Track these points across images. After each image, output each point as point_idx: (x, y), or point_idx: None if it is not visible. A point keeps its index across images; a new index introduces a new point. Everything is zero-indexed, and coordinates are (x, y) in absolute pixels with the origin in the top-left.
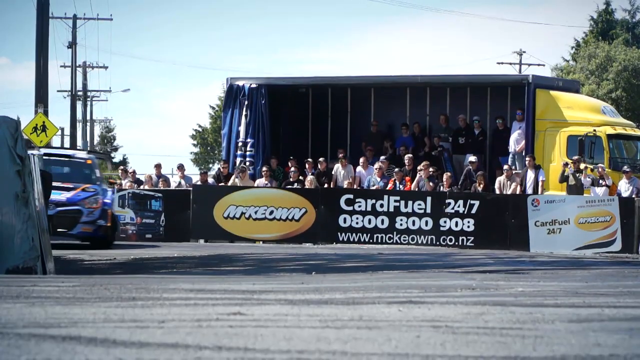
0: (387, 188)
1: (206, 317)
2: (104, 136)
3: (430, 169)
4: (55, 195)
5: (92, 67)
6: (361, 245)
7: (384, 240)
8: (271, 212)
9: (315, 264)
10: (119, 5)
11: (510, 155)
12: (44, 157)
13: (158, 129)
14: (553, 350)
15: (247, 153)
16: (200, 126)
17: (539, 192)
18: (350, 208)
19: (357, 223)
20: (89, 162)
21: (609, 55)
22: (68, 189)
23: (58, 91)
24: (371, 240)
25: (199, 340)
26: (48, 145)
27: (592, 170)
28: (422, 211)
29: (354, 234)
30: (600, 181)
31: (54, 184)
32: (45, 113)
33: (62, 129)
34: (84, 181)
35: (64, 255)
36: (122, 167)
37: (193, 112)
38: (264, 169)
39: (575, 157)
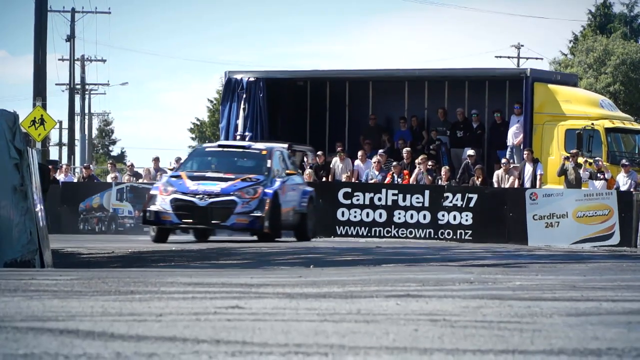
0: (385, 182)
1: (204, 311)
2: (102, 129)
3: (429, 163)
4: (209, 186)
5: (91, 60)
6: (359, 239)
7: (382, 234)
8: None
9: (313, 258)
10: None
11: (508, 149)
12: (219, 149)
13: (156, 122)
14: (551, 343)
15: None
16: (198, 119)
17: (537, 186)
18: (349, 201)
19: (355, 216)
20: (264, 152)
21: (607, 49)
22: (225, 180)
23: (56, 84)
24: (369, 234)
25: (197, 333)
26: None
27: (590, 164)
28: (420, 205)
29: (352, 228)
30: (599, 174)
31: (212, 174)
32: (44, 106)
33: (60, 122)
34: (252, 172)
35: (61, 249)
36: (110, 161)
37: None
38: None
39: (573, 151)
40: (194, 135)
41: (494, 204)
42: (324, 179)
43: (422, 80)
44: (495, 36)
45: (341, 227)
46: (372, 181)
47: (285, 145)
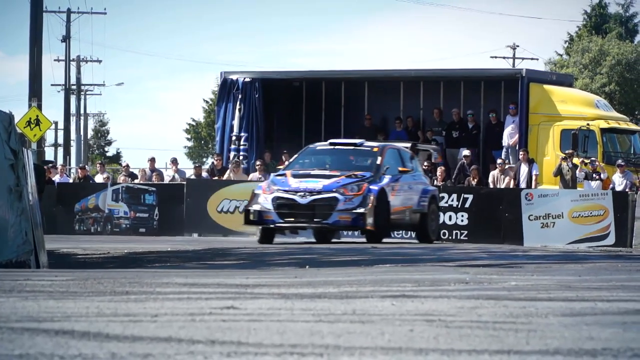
0: None
1: (199, 311)
2: (98, 130)
3: (425, 163)
4: (312, 184)
5: (86, 61)
6: (355, 239)
7: None
8: None
9: (309, 258)
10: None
11: (504, 149)
12: (330, 147)
13: (152, 122)
14: (546, 344)
15: (241, 147)
16: (194, 120)
17: (533, 186)
18: None
19: None
20: (375, 149)
21: (603, 49)
22: (329, 177)
23: (52, 85)
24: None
25: (192, 334)
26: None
27: (585, 164)
28: None
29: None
30: (595, 175)
31: (317, 172)
32: (39, 107)
33: (56, 123)
34: (360, 169)
35: (57, 250)
36: (99, 162)
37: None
38: (258, 162)
39: (569, 151)
40: (189, 136)
41: (489, 205)
42: None
43: (417, 80)
44: (490, 36)
45: None
46: None
47: (409, 145)
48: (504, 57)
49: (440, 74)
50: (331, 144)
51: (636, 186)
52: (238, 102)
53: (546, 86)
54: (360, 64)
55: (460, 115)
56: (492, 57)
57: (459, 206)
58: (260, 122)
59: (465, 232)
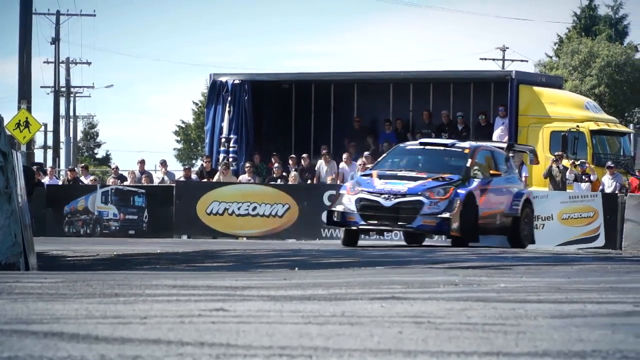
0: None
1: (188, 313)
2: (87, 132)
3: None
4: (397, 186)
5: (76, 63)
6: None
7: (367, 236)
8: (254, 208)
9: (298, 260)
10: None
11: None
12: (420, 147)
13: (141, 125)
14: (535, 345)
15: (230, 149)
16: (183, 122)
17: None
18: None
19: None
20: (467, 150)
21: (592, 51)
22: (416, 179)
23: (41, 87)
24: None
25: (181, 336)
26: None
27: (575, 166)
28: None
29: (336, 230)
30: (584, 177)
31: (404, 173)
32: (29, 109)
33: (45, 125)
34: (449, 171)
35: (46, 252)
36: (82, 165)
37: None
38: (247, 165)
39: (558, 153)
40: (179, 138)
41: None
42: (309, 182)
43: (407, 82)
44: (480, 38)
45: (326, 230)
46: None
47: (504, 145)
48: (493, 59)
49: (430, 75)
50: (421, 143)
51: (626, 188)
52: (227, 104)
53: (536, 88)
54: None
55: (450, 117)
56: (481, 58)
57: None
58: (250, 124)
59: None
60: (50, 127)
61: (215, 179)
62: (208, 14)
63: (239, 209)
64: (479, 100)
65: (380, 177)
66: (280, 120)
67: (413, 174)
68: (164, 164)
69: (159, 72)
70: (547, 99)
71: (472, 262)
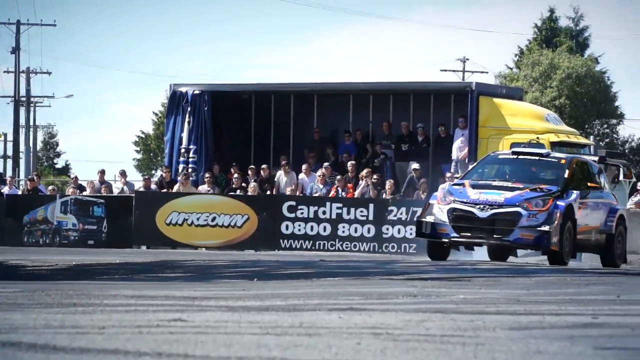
0: (330, 195)
1: (147, 324)
2: (47, 142)
3: (374, 176)
4: (493, 196)
5: (36, 72)
6: (303, 252)
7: (326, 247)
8: (213, 219)
9: (257, 271)
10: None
11: (453, 163)
12: (513, 157)
13: (101, 135)
14: (494, 357)
15: (190, 159)
16: (143, 132)
17: None
18: (293, 215)
19: (299, 230)
20: (563, 161)
21: (553, 63)
22: (512, 189)
23: (1, 97)
24: (313, 247)
25: (139, 346)
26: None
27: None
28: (364, 218)
29: (296, 241)
30: None
31: (499, 183)
32: None
33: (5, 135)
34: (545, 182)
35: (5, 261)
36: (29, 178)
37: (136, 119)
38: (207, 175)
39: None
40: (139, 148)
41: None
42: (268, 192)
43: (367, 93)
44: (440, 50)
45: (285, 241)
46: (317, 194)
47: (596, 158)
48: (454, 71)
49: (390, 87)
50: (514, 153)
51: None
52: (187, 115)
53: (496, 99)
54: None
55: (410, 129)
56: (442, 70)
57: (408, 219)
58: (209, 135)
59: (414, 245)
60: (10, 137)
61: (175, 189)
62: (169, 25)
63: (198, 219)
64: (439, 111)
65: (474, 186)
66: (239, 130)
67: (509, 184)
68: (123, 174)
69: (119, 82)
70: (508, 110)
71: (431, 274)
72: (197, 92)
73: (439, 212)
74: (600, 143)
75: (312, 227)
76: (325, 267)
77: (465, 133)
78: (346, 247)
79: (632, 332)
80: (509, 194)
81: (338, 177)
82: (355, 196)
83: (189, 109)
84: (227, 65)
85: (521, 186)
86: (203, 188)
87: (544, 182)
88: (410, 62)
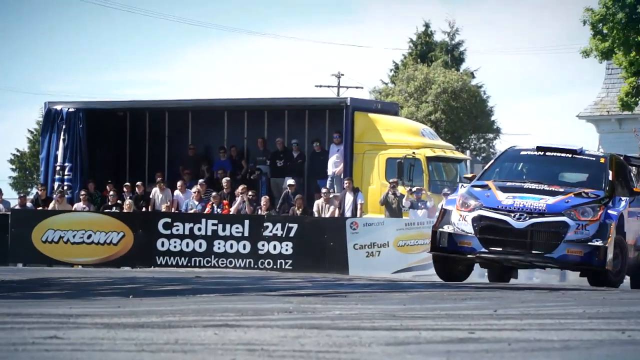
0: (205, 211)
1: (22, 341)
2: None
3: (250, 193)
4: (531, 201)
5: None
6: (179, 269)
7: (202, 264)
8: (89, 236)
9: (133, 288)
10: None
11: (329, 178)
12: (538, 154)
13: None
14: None
15: (65, 177)
16: (18, 150)
17: (358, 215)
18: (168, 232)
19: (175, 247)
20: (603, 160)
21: (428, 78)
22: (553, 193)
23: None
24: (189, 264)
25: None
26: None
27: (411, 192)
28: (240, 234)
29: (171, 258)
30: (420, 204)
31: (533, 185)
32: None
33: None
34: (584, 185)
35: None
36: None
37: (11, 137)
38: (82, 192)
39: (394, 180)
40: (14, 166)
41: (314, 234)
42: (143, 209)
43: (241, 110)
44: (315, 65)
45: (161, 257)
46: (192, 211)
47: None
48: (328, 86)
49: (264, 103)
50: (539, 148)
51: None
52: (62, 133)
53: (371, 115)
54: (185, 94)
55: (285, 145)
56: (316, 85)
57: (284, 235)
58: (84, 152)
59: (290, 261)
60: None
61: (51, 207)
62: (43, 42)
63: (74, 236)
64: (314, 127)
65: (502, 189)
66: (115, 148)
67: (544, 186)
68: None
69: None
70: (383, 125)
71: (306, 290)
72: (72, 109)
73: (461, 220)
74: (477, 158)
75: (187, 244)
76: (201, 283)
77: (341, 148)
78: (222, 264)
79: (509, 347)
80: (550, 200)
81: (213, 193)
82: (231, 212)
83: (64, 126)
84: (102, 83)
85: (561, 190)
86: (79, 205)
87: (583, 185)
88: (285, 78)
